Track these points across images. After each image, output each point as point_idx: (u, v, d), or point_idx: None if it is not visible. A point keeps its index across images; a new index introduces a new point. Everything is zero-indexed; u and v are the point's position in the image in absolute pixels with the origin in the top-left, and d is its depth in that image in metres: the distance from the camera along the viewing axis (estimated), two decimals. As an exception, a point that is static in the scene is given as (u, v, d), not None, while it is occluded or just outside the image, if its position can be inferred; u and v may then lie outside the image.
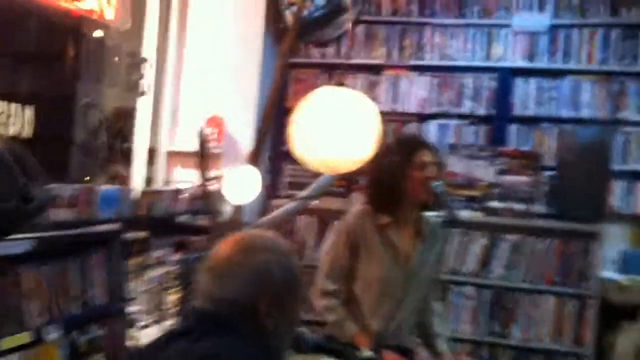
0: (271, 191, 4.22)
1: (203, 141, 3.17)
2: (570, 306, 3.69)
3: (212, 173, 3.18)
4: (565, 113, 4.07)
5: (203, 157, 3.15)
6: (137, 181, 3.71)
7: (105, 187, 2.81)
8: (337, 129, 2.58)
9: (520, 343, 3.76)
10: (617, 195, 3.89)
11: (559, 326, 3.72)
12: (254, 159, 3.30)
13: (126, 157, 3.70)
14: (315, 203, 3.94)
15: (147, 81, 3.74)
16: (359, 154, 2.67)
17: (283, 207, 3.63)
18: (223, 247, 1.59)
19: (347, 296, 2.89)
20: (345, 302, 2.88)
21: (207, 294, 1.56)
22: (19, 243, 2.13)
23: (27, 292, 2.28)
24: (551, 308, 3.73)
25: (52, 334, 2.34)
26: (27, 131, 2.87)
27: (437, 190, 2.70)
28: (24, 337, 2.20)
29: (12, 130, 2.79)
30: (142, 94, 3.71)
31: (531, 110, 4.14)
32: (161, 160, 3.94)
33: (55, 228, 2.44)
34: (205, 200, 3.21)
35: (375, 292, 2.86)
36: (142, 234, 3.02)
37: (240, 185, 3.13)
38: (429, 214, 2.83)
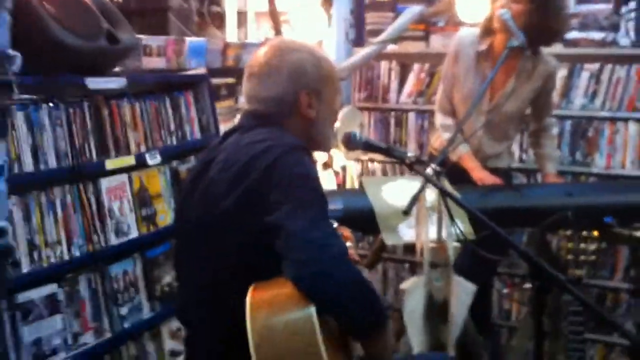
0: (357, 42, 4.35)
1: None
2: (653, 131, 3.67)
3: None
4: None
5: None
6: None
7: (192, 39, 3.04)
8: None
9: (603, 171, 3.79)
10: None
11: (642, 152, 3.71)
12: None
13: (218, 20, 3.97)
14: (394, 48, 4.10)
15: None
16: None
17: (361, 52, 3.84)
18: (259, 54, 1.81)
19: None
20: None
21: (253, 97, 1.79)
22: (113, 80, 2.39)
23: (125, 124, 2.54)
24: (633, 134, 3.71)
25: (154, 160, 2.64)
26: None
27: (503, 17, 2.86)
28: (129, 160, 2.52)
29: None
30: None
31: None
32: (250, 21, 4.19)
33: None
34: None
35: (465, 114, 3.09)
36: (229, 79, 3.27)
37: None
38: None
